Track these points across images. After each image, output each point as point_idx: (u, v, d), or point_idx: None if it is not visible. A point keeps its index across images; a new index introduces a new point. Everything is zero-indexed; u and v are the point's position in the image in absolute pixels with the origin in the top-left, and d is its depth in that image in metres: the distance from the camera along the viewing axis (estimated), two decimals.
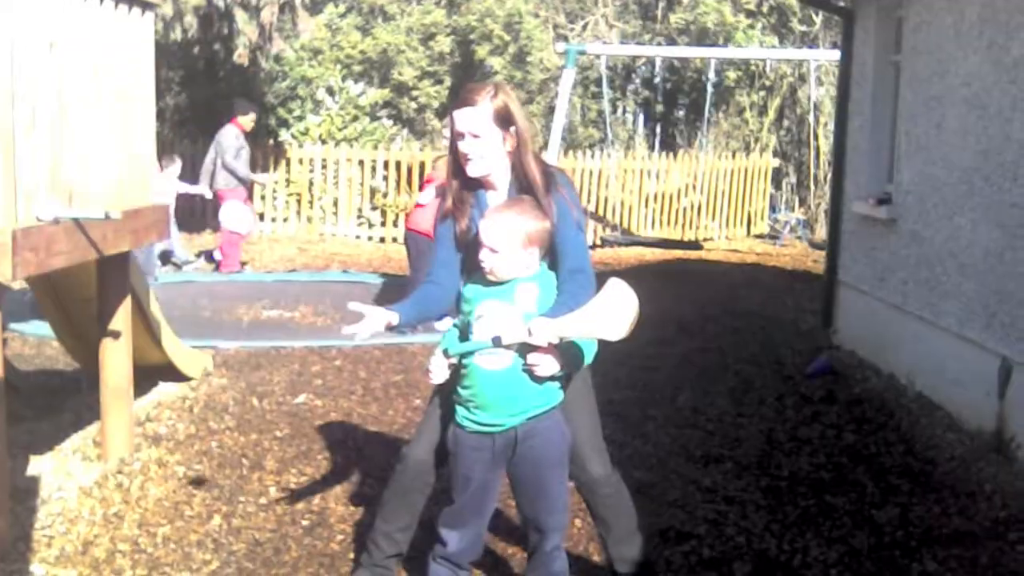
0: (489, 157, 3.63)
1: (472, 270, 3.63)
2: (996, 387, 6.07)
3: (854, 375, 7.74)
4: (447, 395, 3.69)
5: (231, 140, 12.03)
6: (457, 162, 3.69)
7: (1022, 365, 5.83)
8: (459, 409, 3.58)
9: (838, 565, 4.43)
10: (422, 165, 14.76)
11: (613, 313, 3.38)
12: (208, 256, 12.92)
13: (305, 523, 4.74)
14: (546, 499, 3.59)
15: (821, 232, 15.48)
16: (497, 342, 3.37)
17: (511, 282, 3.49)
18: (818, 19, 18.69)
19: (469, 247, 3.64)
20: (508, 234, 3.44)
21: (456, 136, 3.64)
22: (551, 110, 16.88)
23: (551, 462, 3.57)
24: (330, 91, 16.46)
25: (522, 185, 3.66)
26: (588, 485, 3.85)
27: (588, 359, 3.59)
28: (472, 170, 3.64)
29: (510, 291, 3.49)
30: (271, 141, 16.00)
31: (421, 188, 9.76)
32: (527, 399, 3.49)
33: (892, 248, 7.84)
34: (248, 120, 12.35)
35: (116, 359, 5.40)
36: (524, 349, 3.41)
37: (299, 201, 15.63)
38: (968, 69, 6.63)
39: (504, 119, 3.61)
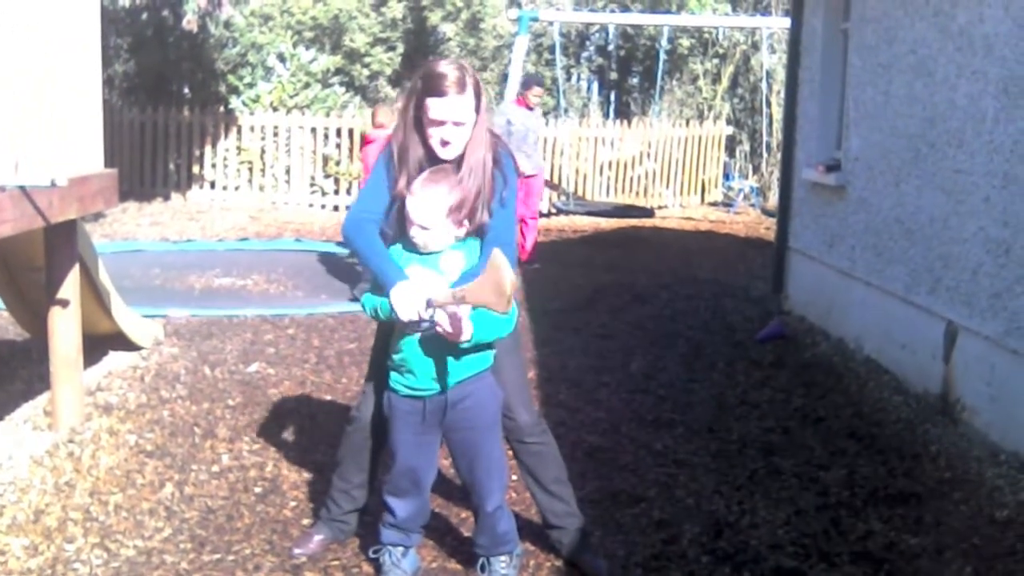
0: (465, 141, 3.61)
1: (400, 234, 3.64)
2: (942, 351, 6.17)
3: (804, 340, 7.84)
4: (384, 360, 3.74)
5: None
6: (420, 139, 3.63)
7: (967, 329, 5.93)
8: (392, 374, 3.65)
9: (785, 525, 4.51)
10: None
11: (497, 282, 3.34)
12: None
13: (258, 490, 4.74)
14: (482, 461, 3.67)
15: (774, 199, 15.56)
16: (430, 304, 3.39)
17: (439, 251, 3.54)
18: None
19: (401, 212, 3.63)
20: (436, 210, 3.47)
21: (434, 123, 3.56)
22: (505, 77, 16.82)
23: (485, 424, 3.66)
24: (281, 58, 16.30)
25: (472, 163, 3.62)
26: (516, 432, 3.92)
27: (505, 329, 3.57)
28: (448, 154, 3.61)
29: (435, 259, 3.54)
30: (221, 108, 15.83)
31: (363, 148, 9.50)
32: (454, 363, 3.54)
33: (841, 215, 7.93)
34: (531, 95, 10.99)
35: (65, 328, 5.35)
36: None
37: (251, 169, 15.51)
38: (915, 36, 6.69)
39: (479, 102, 3.60)
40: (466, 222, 3.54)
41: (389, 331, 3.74)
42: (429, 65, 3.62)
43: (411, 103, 3.62)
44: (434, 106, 3.54)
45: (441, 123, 3.56)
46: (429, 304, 3.38)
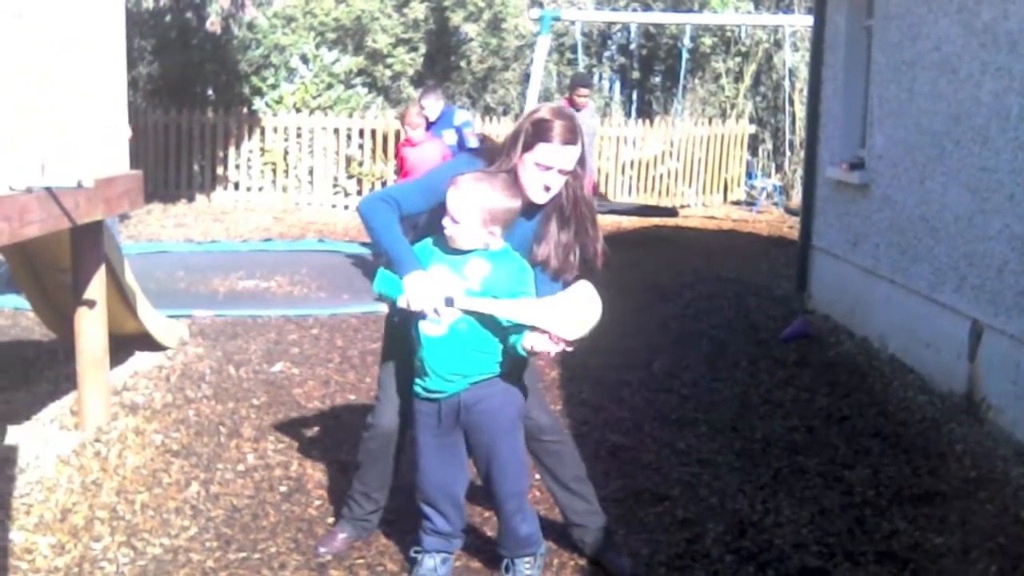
0: (560, 188, 3.66)
1: (437, 230, 3.63)
2: (967, 349, 6.14)
3: (828, 339, 7.81)
4: (400, 361, 3.78)
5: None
6: (509, 176, 3.62)
7: (992, 327, 5.90)
8: (415, 378, 3.66)
9: (810, 524, 4.50)
10: (397, 133, 14.69)
11: (576, 313, 3.41)
12: None
13: (283, 489, 4.77)
14: (496, 464, 3.65)
15: (797, 198, 15.50)
16: (449, 302, 3.42)
17: (468, 253, 3.53)
18: None
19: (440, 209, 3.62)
20: (472, 207, 3.46)
21: (540, 167, 3.59)
22: (526, 77, 16.83)
23: (501, 428, 3.63)
24: (304, 59, 16.35)
25: (557, 207, 3.69)
26: (534, 432, 3.94)
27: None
28: (543, 199, 3.65)
29: (462, 262, 3.53)
30: (245, 110, 15.91)
31: (400, 150, 9.65)
32: (466, 366, 3.54)
33: (865, 213, 7.90)
34: (577, 96, 10.97)
35: (91, 328, 5.39)
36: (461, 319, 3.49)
37: (274, 170, 15.57)
38: (939, 33, 6.66)
39: (583, 154, 3.67)
40: (498, 231, 3.52)
41: (397, 339, 3.80)
42: (542, 111, 3.67)
43: (518, 144, 3.63)
44: (545, 152, 3.57)
45: (548, 168, 3.59)
46: (449, 303, 3.40)
